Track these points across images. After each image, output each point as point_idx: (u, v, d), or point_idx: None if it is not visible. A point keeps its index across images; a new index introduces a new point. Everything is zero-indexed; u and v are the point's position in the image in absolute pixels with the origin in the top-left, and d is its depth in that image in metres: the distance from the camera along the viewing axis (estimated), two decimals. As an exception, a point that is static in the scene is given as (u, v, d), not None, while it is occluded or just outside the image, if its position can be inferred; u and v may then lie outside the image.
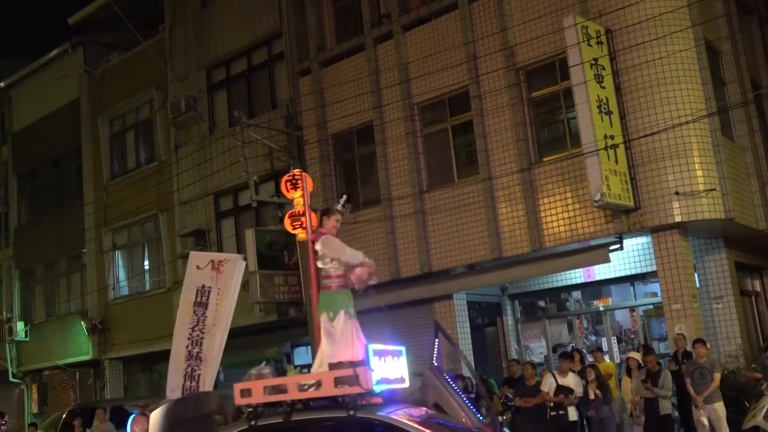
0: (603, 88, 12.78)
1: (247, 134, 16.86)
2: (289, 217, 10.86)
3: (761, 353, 13.20)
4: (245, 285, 17.68)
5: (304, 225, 11.24)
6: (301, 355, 19.29)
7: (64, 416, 17.87)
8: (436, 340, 7.53)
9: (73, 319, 23.72)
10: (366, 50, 16.61)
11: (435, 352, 7.39)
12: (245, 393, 6.68)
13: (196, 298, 9.95)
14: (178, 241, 20.50)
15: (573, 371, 12.05)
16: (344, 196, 8.22)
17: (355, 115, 16.63)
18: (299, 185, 10.54)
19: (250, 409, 6.67)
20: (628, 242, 13.68)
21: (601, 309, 15.54)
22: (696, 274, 13.63)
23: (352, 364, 6.51)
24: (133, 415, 8.44)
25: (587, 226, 13.41)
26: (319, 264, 7.56)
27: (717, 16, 14.55)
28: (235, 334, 19.60)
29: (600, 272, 14.95)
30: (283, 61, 18.56)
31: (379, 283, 16.35)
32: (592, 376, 11.98)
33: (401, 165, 15.88)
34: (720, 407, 11.23)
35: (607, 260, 13.70)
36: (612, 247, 13.57)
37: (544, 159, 14.31)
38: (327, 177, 17.14)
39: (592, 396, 11.81)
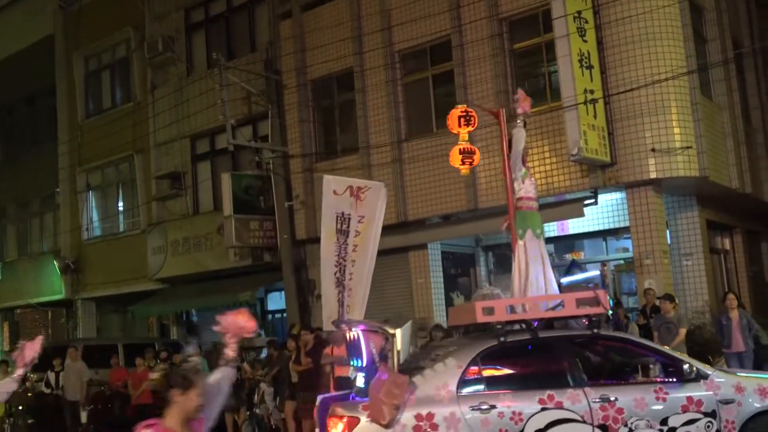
0: (585, 41, 12.72)
1: (225, 77, 16.64)
2: (460, 153, 10.98)
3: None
4: (219, 229, 17.69)
5: (474, 162, 11.33)
6: (274, 300, 19.41)
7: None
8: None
9: (46, 259, 23.61)
10: (348, -5, 16.36)
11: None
12: (487, 311, 7.14)
13: (337, 224, 10.08)
14: (153, 183, 20.37)
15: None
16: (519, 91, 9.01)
17: (336, 60, 16.45)
18: (471, 122, 10.71)
19: (499, 327, 7.15)
20: (602, 197, 13.79)
21: (573, 260, 15.70)
22: (668, 231, 13.78)
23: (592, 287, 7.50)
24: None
25: (563, 180, 13.47)
26: (515, 186, 8.35)
27: (702, -27, 14.48)
28: (208, 277, 19.88)
29: (574, 226, 15.06)
30: (264, 3, 18.26)
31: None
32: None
33: (380, 113, 15.79)
34: (684, 361, 11.45)
35: (582, 214, 13.80)
36: (587, 202, 13.66)
37: (524, 111, 14.25)
38: (305, 123, 17.00)
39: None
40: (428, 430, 6.66)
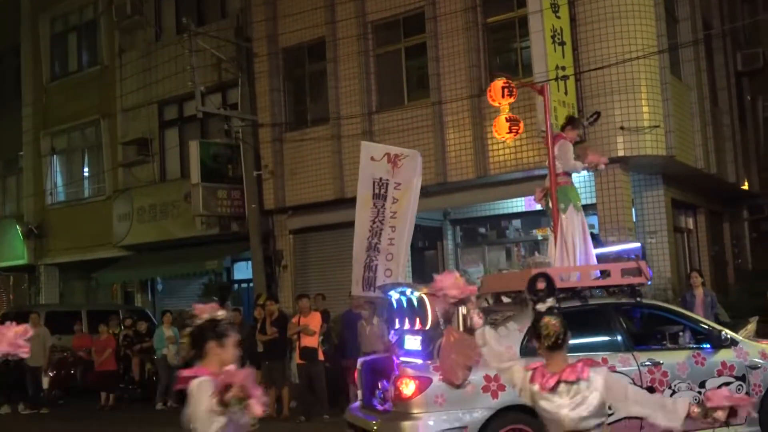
0: (558, 18, 12.72)
1: (195, 43, 16.43)
2: (507, 121, 11.09)
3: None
4: (186, 197, 17.55)
5: (519, 131, 11.44)
6: (241, 270, 19.34)
7: (-3, 319, 17.67)
8: None
9: (8, 223, 23.26)
10: (321, -38, 16.17)
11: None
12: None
13: (374, 190, 10.41)
14: (120, 148, 20.11)
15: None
16: (596, 114, 9.78)
17: (308, 29, 16.27)
18: (513, 93, 10.86)
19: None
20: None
21: (540, 238, 15.78)
22: (633, 209, 13.93)
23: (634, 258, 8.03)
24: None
25: (532, 155, 13.53)
26: (557, 162, 8.75)
27: (675, -47, 14.52)
28: (174, 245, 19.74)
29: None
30: (236, -31, 17.98)
31: (324, 201, 16.44)
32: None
33: (352, 84, 15.70)
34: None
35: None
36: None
37: (495, 86, 14.26)
38: (275, 92, 16.86)
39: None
40: (496, 390, 6.98)
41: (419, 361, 7.41)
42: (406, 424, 6.66)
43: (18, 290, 23.79)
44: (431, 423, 6.86)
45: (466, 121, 14.26)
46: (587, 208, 14.31)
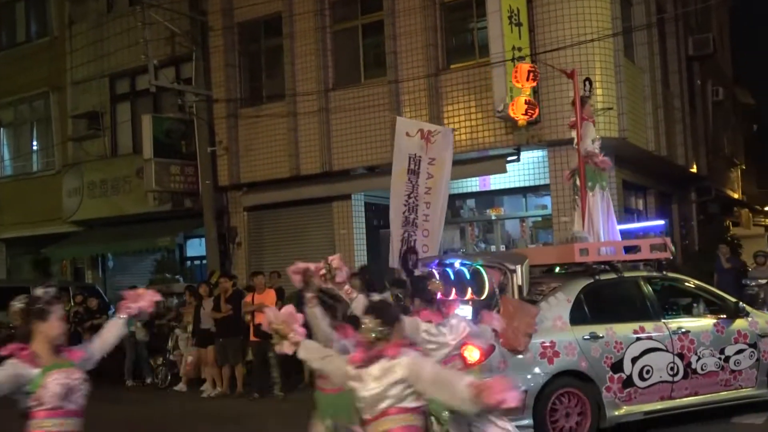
0: (515, -2, 12.77)
1: (148, 15, 16.08)
2: (526, 103, 11.23)
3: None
4: (139, 172, 17.29)
5: (534, 115, 11.55)
6: (194, 247, 19.18)
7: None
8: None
9: (-47, 197, 22.66)
10: (279, -64, 15.96)
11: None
12: (583, 252, 8.09)
13: (409, 165, 10.76)
14: (70, 122, 19.70)
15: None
16: (586, 81, 10.14)
17: (264, 4, 16.05)
18: (537, 77, 11.04)
19: (595, 266, 8.18)
20: (525, 154, 14.00)
21: (493, 218, 15.95)
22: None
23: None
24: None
25: (488, 135, 13.62)
26: (583, 145, 9.21)
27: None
28: (126, 221, 19.45)
29: (495, 182, 15.26)
30: (190, -61, 17.63)
31: (279, 179, 16.36)
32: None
33: (308, 61, 15.58)
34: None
35: (504, 170, 14.00)
36: (509, 158, 13.86)
37: (452, 66, 14.32)
38: (230, 67, 16.65)
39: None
40: (552, 356, 7.49)
41: None
42: None
43: (-37, 265, 23.25)
44: None
45: (423, 100, 14.28)
46: (541, 189, 14.59)
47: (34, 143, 21.53)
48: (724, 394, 8.26)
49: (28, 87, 20.49)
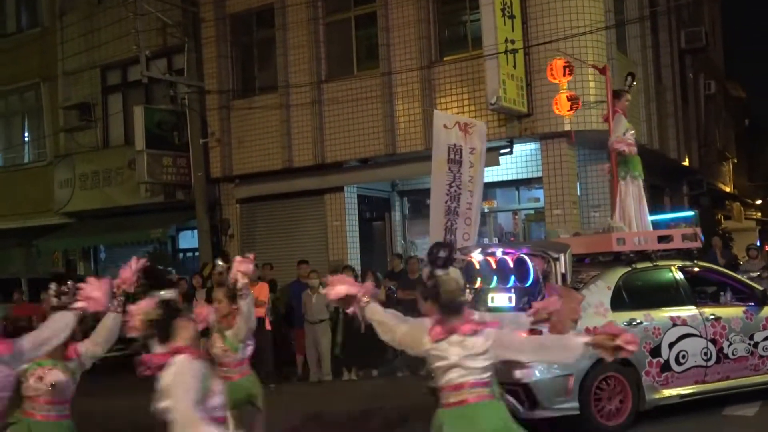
0: (508, -9, 12.76)
1: (140, 6, 16.00)
2: (568, 99, 11.29)
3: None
4: (131, 164, 17.23)
5: (577, 107, 11.62)
6: (186, 239, 19.12)
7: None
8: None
9: (-57, 188, 22.53)
10: (271, -73, 15.89)
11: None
12: (620, 242, 8.42)
13: (449, 155, 10.93)
14: (61, 113, 19.59)
15: (455, 266, 12.40)
16: (630, 76, 10.20)
17: (256, -5, 16.03)
18: (573, 71, 11.10)
19: (632, 255, 8.43)
20: (518, 147, 14.02)
21: (486, 210, 15.94)
22: (578, 183, 14.16)
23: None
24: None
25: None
26: (613, 136, 9.32)
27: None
28: (118, 213, 19.38)
29: (488, 175, 15.21)
30: (182, -70, 17.54)
31: (272, 171, 16.31)
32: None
33: (301, 52, 15.54)
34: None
35: (497, 163, 14.01)
36: (502, 151, 13.88)
37: (445, 58, 14.31)
38: (223, 59, 16.60)
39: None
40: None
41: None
42: (520, 372, 7.04)
43: (-46, 257, 23.13)
44: (541, 370, 7.49)
45: (416, 92, 14.27)
46: (533, 181, 14.61)
47: (26, 134, 21.42)
48: (753, 379, 8.59)
49: (19, 78, 20.38)
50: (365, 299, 4.41)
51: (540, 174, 13.72)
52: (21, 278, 17.36)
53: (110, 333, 4.89)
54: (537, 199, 14.91)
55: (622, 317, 7.88)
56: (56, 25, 19.68)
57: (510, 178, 15.08)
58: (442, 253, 4.48)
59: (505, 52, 12.47)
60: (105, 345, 4.94)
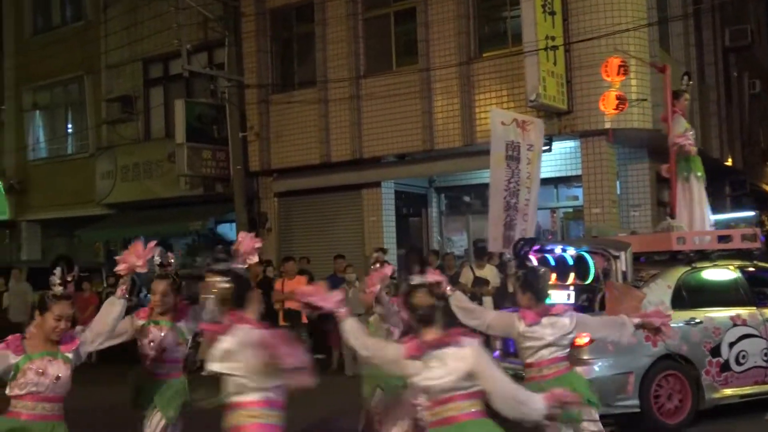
0: (550, -13, 12.66)
1: (182, 0, 16.17)
2: (617, 98, 11.44)
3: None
4: (171, 156, 17.43)
5: (624, 108, 11.75)
6: (224, 231, 19.29)
7: (-23, 275, 17.58)
8: None
9: (-11, 178, 23.02)
10: None
11: None
12: (681, 241, 8.55)
13: (507, 152, 11.04)
14: (103, 105, 19.88)
15: (491, 264, 12.36)
16: (686, 75, 10.19)
17: (296, -10, 16.11)
18: (628, 71, 11.64)
19: (692, 254, 8.56)
20: (557, 145, 13.91)
21: (524, 208, 15.88)
22: (618, 182, 14.01)
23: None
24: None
25: (519, 125, 13.52)
26: (671, 136, 9.40)
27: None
28: (158, 205, 19.63)
29: (526, 172, 15.20)
30: (225, -75, 17.67)
31: (309, 166, 16.37)
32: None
33: (340, 48, 15.58)
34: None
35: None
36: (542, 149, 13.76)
37: (484, 54, 14.25)
38: (262, 53, 16.71)
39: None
40: (656, 340, 7.71)
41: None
42: (580, 368, 7.14)
43: (-2, 246, 23.65)
44: (601, 367, 7.64)
45: (454, 88, 14.23)
46: (572, 179, 14.49)
47: (69, 126, 21.76)
48: None
49: (63, 71, 20.70)
50: (449, 289, 4.83)
51: (579, 172, 13.61)
52: (62, 268, 17.63)
53: (114, 322, 4.80)
54: (575, 198, 14.79)
55: (682, 316, 7.98)
56: (100, 18, 19.95)
57: (548, 175, 14.93)
58: (526, 248, 5.11)
59: (546, 48, 12.38)
60: (108, 336, 4.81)
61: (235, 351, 3.80)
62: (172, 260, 5.53)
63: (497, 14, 14.86)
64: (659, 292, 8.05)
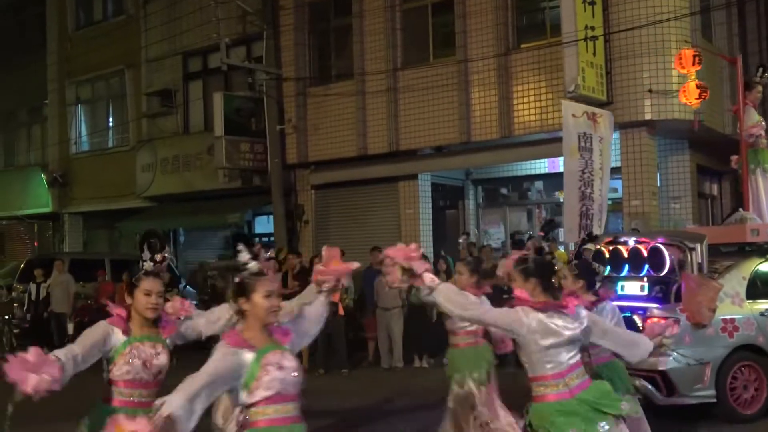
0: (589, -24, 12.50)
1: (221, -6, 16.31)
2: (697, 87, 11.54)
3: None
4: (210, 149, 17.61)
5: (706, 97, 11.79)
6: (262, 224, 19.47)
7: (22, 266, 17.95)
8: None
9: (33, 171, 23.46)
10: None
11: None
12: (755, 232, 8.68)
13: (580, 143, 11.26)
14: (144, 99, 20.14)
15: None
16: (761, 67, 10.16)
17: (334, -17, 16.13)
18: (702, 61, 11.58)
19: (765, 246, 8.66)
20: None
21: (561, 200, 15.72)
22: (658, 173, 13.82)
23: None
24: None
25: (558, 117, 13.35)
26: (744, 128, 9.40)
27: None
28: (197, 197, 19.84)
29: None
30: None
31: (346, 158, 16.39)
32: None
33: (377, 40, 15.57)
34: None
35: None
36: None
37: (522, 45, 14.13)
38: (300, 46, 16.76)
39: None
40: (732, 331, 7.95)
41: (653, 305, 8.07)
42: (656, 359, 7.30)
43: (42, 238, 24.10)
44: (678, 357, 7.65)
45: (492, 80, 14.14)
46: (612, 171, 14.30)
47: (110, 119, 22.08)
48: None
49: (105, 65, 21.00)
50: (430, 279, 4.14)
51: (618, 164, 13.44)
52: (105, 259, 17.96)
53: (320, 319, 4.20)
54: (615, 190, 14.59)
55: (757, 307, 8.08)
56: (140, 13, 20.20)
57: (587, 167, 14.83)
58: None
59: (585, 39, 12.24)
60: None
61: None
62: (167, 254, 4.74)
63: (535, 5, 14.73)
64: (734, 283, 8.12)
